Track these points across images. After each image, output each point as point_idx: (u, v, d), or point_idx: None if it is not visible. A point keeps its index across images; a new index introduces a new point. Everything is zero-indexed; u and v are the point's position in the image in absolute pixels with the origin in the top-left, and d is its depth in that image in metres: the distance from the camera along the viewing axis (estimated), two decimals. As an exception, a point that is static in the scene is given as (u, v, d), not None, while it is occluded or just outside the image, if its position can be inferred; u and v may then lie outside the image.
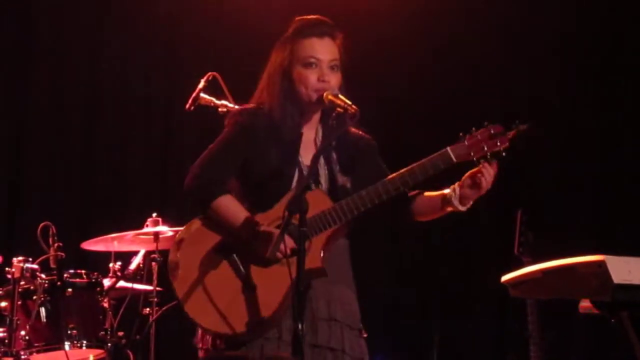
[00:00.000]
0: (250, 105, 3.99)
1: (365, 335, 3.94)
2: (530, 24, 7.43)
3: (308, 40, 3.90)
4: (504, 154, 3.77)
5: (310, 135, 3.98)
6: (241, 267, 3.77)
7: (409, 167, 3.79)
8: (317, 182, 3.89)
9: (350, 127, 3.92)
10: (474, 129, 3.79)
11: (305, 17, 3.99)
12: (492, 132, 3.77)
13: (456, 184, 3.84)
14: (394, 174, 3.82)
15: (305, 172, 3.84)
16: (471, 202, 3.85)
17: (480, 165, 3.76)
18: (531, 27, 7.41)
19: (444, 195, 3.87)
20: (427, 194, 3.92)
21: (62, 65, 7.23)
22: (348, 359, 3.81)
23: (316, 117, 3.98)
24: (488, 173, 3.76)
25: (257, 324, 3.72)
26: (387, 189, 3.77)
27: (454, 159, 3.75)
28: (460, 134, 3.79)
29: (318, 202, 3.77)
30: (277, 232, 3.61)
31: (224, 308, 3.74)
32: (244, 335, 3.73)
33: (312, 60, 3.87)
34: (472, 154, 3.76)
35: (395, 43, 7.38)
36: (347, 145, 3.96)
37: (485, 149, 3.76)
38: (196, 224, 3.86)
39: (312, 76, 3.86)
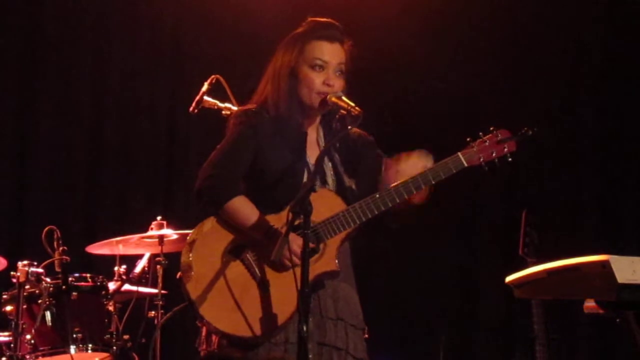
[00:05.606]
0: (252, 105, 3.97)
1: (367, 336, 3.94)
2: (538, 31, 7.41)
3: (318, 42, 3.90)
4: (510, 158, 3.85)
5: (313, 136, 3.99)
6: (256, 269, 3.76)
7: (421, 171, 3.82)
8: (325, 183, 3.90)
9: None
10: (481, 134, 3.85)
11: (318, 18, 3.99)
12: (499, 137, 3.85)
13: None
14: (407, 178, 3.82)
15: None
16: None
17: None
18: (538, 34, 7.40)
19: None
20: None
21: (67, 70, 7.23)
22: (351, 359, 3.82)
23: (318, 118, 3.99)
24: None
25: (270, 328, 3.72)
26: (401, 193, 3.80)
27: (465, 164, 3.81)
28: (468, 139, 3.84)
29: (331, 203, 3.80)
30: (290, 233, 3.60)
31: (239, 310, 3.72)
32: (258, 338, 3.72)
33: (320, 62, 3.88)
34: (481, 158, 3.83)
35: (398, 51, 7.39)
36: (348, 146, 3.98)
37: (494, 154, 3.84)
38: (208, 224, 3.83)
39: (317, 79, 3.87)
